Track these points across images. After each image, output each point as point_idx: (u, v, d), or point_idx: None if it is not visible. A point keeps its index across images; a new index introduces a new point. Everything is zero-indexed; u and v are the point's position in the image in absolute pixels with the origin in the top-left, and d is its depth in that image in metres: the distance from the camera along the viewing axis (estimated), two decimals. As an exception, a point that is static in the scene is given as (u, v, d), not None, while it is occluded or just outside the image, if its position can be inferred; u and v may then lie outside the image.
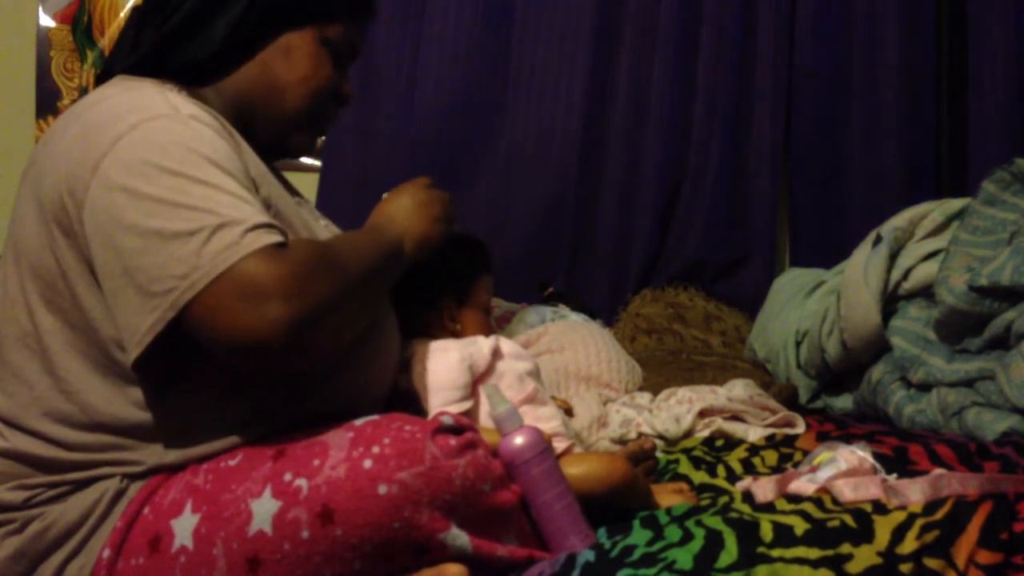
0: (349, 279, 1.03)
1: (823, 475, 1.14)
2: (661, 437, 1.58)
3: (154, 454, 1.04)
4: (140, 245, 0.95)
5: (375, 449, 0.97)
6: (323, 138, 2.64)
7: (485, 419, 1.26)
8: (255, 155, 1.14)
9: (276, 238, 0.97)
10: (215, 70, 1.17)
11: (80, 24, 2.61)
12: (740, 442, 1.53)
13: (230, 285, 0.92)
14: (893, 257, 1.91)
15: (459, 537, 0.99)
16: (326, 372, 1.10)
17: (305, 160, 2.68)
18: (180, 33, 1.14)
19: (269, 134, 1.21)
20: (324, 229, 1.24)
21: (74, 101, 1.83)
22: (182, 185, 0.97)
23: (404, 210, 1.25)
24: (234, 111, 1.17)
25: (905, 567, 0.94)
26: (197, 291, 0.92)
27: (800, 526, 1.01)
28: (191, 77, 1.16)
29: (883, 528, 0.99)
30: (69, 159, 1.03)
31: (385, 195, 1.31)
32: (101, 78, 1.19)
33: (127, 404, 1.04)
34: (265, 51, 1.18)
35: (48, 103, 2.61)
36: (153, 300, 0.94)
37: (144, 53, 1.14)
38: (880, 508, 1.03)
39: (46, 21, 2.62)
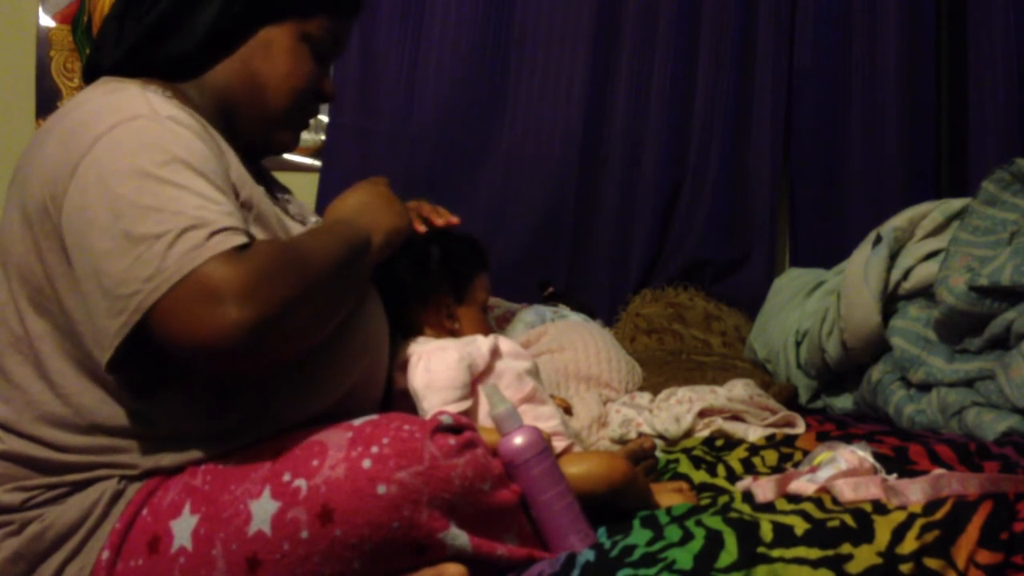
0: (312, 278, 1.01)
1: (823, 475, 1.14)
2: (661, 437, 1.58)
3: (150, 458, 1.04)
4: (108, 247, 0.95)
5: (374, 449, 0.97)
6: (323, 137, 2.64)
7: (484, 419, 1.25)
8: (236, 157, 1.13)
9: (239, 240, 0.96)
10: (197, 65, 1.16)
11: (80, 24, 2.61)
12: (740, 442, 1.53)
13: (192, 288, 0.92)
14: (893, 257, 1.91)
15: (458, 536, 0.98)
16: (309, 377, 1.10)
17: (305, 160, 2.68)
18: (161, 26, 1.14)
19: (251, 131, 1.20)
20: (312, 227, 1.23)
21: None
22: (152, 187, 0.97)
23: (368, 204, 1.23)
24: (217, 108, 1.17)
25: (905, 567, 0.94)
26: (161, 294, 0.92)
27: (800, 526, 1.01)
28: (174, 73, 1.15)
29: (883, 528, 0.98)
30: (51, 162, 1.03)
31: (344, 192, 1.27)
32: (88, 70, 1.19)
33: (117, 406, 1.04)
34: (245, 47, 1.17)
35: (48, 103, 2.60)
36: (119, 303, 0.94)
37: (127, 48, 1.14)
38: (880, 508, 1.03)
39: (46, 21, 2.62)
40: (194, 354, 0.93)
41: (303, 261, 1.02)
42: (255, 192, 1.12)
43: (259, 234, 1.09)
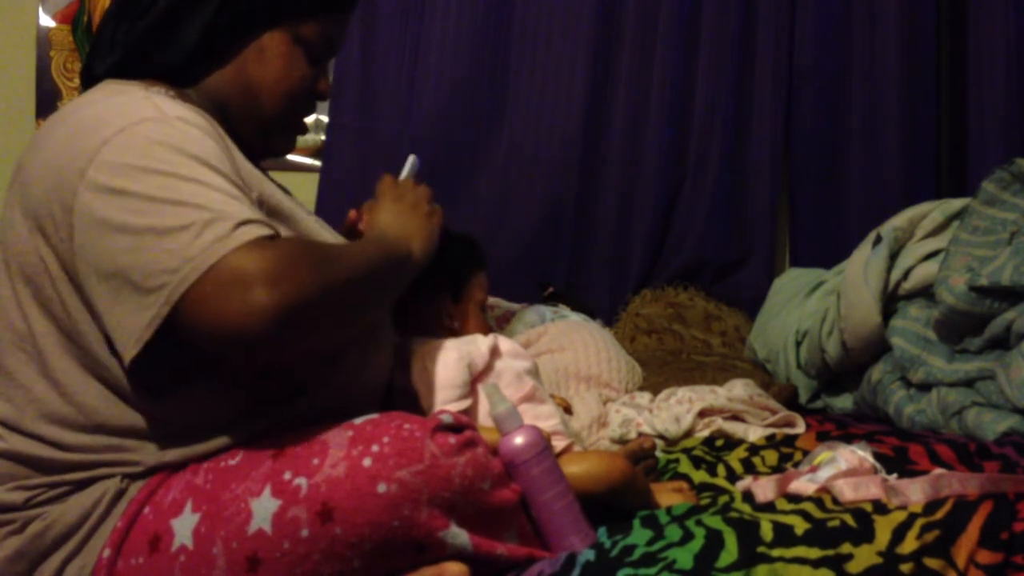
0: (338, 275, 1.02)
1: (823, 475, 1.14)
2: (661, 437, 1.58)
3: (152, 454, 1.04)
4: (132, 243, 0.95)
5: (374, 448, 0.97)
6: (323, 137, 2.64)
7: (484, 418, 1.25)
8: (243, 156, 1.14)
9: (265, 231, 0.97)
10: (193, 72, 1.16)
11: (80, 24, 2.61)
12: (740, 442, 1.53)
13: (219, 277, 0.92)
14: (893, 257, 1.91)
15: (459, 535, 0.98)
16: (317, 368, 1.10)
17: (305, 160, 2.68)
18: (154, 32, 1.14)
19: (248, 135, 1.20)
20: (315, 224, 1.23)
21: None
22: (171, 183, 0.97)
23: (399, 215, 1.25)
24: (215, 112, 1.17)
25: (905, 567, 0.94)
26: (189, 284, 0.92)
27: (800, 526, 1.01)
28: (171, 79, 1.16)
29: (883, 528, 0.98)
30: (56, 165, 1.03)
31: (367, 205, 1.29)
32: (85, 74, 1.19)
33: (122, 405, 1.04)
34: (239, 53, 1.17)
35: (48, 103, 2.61)
36: (148, 297, 0.94)
37: (123, 52, 1.14)
38: (880, 508, 1.03)
39: (46, 21, 2.62)
40: (223, 341, 0.93)
41: (330, 259, 1.03)
42: (266, 187, 1.13)
43: (279, 228, 1.09)
